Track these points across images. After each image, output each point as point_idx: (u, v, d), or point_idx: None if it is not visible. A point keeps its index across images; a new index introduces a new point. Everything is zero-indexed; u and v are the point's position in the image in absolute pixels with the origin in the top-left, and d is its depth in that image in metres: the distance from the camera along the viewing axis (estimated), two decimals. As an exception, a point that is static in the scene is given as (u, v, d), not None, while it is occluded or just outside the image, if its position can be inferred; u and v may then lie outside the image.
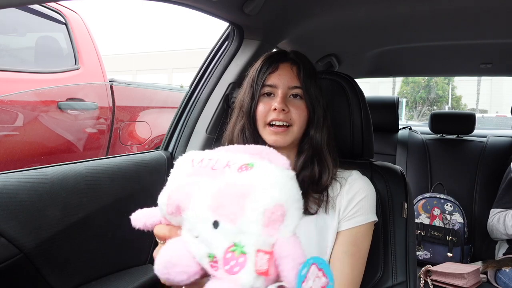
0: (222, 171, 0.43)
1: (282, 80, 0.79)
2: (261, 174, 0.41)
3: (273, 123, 0.77)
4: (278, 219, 0.38)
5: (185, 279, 0.39)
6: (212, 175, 0.43)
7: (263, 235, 0.38)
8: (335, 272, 0.77)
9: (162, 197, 0.45)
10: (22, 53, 1.99)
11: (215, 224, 0.39)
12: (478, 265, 1.58)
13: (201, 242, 0.40)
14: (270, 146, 0.79)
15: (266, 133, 0.78)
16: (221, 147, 0.50)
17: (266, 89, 0.80)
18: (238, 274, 0.37)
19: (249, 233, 0.38)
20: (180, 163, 0.48)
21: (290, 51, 0.85)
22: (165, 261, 0.40)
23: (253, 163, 0.43)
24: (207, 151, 0.48)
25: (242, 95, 0.84)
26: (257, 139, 0.81)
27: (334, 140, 0.84)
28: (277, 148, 0.80)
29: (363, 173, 0.85)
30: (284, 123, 0.77)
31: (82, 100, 1.93)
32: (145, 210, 0.51)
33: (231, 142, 0.83)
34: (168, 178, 0.47)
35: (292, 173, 0.42)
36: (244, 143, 0.79)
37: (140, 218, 0.51)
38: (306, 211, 0.78)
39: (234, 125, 0.84)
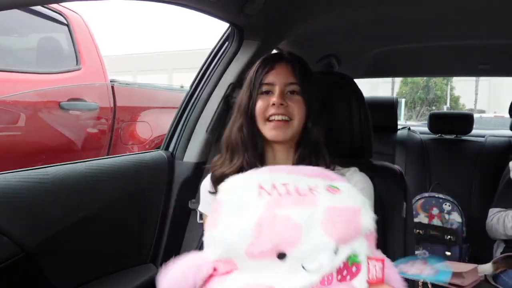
0: (312, 196, 0.42)
1: (279, 77, 0.81)
2: (351, 196, 0.44)
3: (273, 118, 0.79)
4: (374, 233, 0.44)
5: None
6: (303, 201, 0.41)
7: (368, 248, 0.42)
8: None
9: (243, 233, 0.38)
10: (24, 54, 1.99)
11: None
12: (476, 265, 1.58)
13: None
14: (270, 141, 0.82)
15: (267, 129, 0.80)
16: (264, 169, 0.49)
17: (264, 87, 0.82)
18: (351, 281, 0.38)
19: (360, 247, 0.41)
20: (239, 188, 0.43)
21: (285, 52, 0.88)
22: None
23: (336, 185, 0.45)
24: (262, 173, 0.45)
25: (240, 96, 0.86)
26: (255, 137, 0.83)
27: (331, 139, 0.85)
28: (277, 142, 0.82)
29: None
30: (284, 118, 0.79)
31: (83, 100, 1.94)
32: (182, 263, 0.41)
33: (229, 140, 0.85)
34: (226, 209, 0.41)
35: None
36: (242, 141, 0.82)
37: (184, 276, 0.39)
38: None
39: (232, 124, 0.86)
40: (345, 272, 0.39)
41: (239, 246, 0.39)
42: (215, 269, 0.40)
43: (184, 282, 0.39)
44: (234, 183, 0.44)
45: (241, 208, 0.40)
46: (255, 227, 0.39)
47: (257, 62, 0.86)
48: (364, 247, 0.41)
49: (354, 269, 0.39)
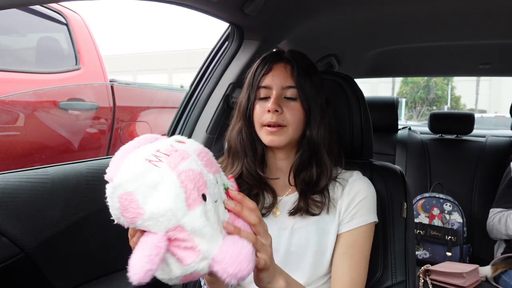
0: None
1: (275, 80, 0.79)
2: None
3: (267, 124, 0.77)
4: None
5: None
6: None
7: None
8: (335, 273, 0.77)
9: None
10: (24, 53, 1.99)
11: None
12: (477, 266, 1.58)
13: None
14: (267, 146, 0.81)
15: (263, 134, 0.79)
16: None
17: (262, 92, 0.80)
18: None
19: (224, 179, 0.60)
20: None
21: (285, 50, 0.85)
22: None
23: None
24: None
25: (241, 97, 0.85)
26: (254, 141, 0.82)
27: (338, 139, 0.84)
28: (275, 148, 0.81)
29: (363, 173, 0.86)
30: (279, 123, 0.77)
31: (83, 100, 1.94)
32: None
33: (229, 143, 0.84)
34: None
35: None
36: (240, 144, 0.82)
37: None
38: (308, 212, 0.79)
39: (233, 127, 0.85)
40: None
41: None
42: None
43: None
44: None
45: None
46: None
47: (256, 62, 0.84)
48: (225, 178, 0.60)
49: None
